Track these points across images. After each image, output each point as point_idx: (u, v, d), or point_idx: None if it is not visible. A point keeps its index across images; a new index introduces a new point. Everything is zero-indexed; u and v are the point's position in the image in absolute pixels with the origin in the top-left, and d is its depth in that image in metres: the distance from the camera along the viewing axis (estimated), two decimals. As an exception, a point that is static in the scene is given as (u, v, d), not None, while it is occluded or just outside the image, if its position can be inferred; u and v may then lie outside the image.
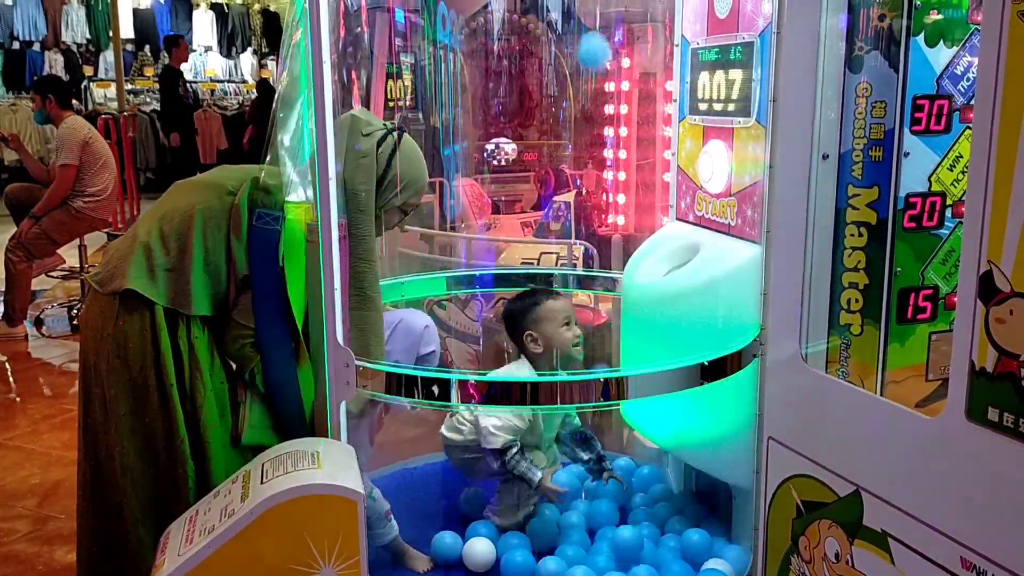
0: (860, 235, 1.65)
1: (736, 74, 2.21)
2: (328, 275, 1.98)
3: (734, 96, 2.23)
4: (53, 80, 6.48)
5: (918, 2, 1.57)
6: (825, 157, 1.65)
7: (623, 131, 4.57)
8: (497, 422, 2.27)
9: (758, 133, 2.12)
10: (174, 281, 2.13)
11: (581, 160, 5.79)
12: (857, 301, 1.68)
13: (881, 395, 1.66)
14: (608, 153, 4.65)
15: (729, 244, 2.25)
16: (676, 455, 2.58)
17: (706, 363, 1.98)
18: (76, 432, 4.06)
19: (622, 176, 4.60)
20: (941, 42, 1.61)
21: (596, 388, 1.87)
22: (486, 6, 6.15)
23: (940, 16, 1.60)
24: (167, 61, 10.89)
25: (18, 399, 4.64)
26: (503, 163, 6.35)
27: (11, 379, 4.99)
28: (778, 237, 1.83)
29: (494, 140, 6.42)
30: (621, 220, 4.59)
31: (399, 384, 1.99)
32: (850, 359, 1.72)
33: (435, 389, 1.95)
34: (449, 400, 1.92)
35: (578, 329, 2.41)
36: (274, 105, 2.13)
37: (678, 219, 2.62)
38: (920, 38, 1.59)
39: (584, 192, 5.01)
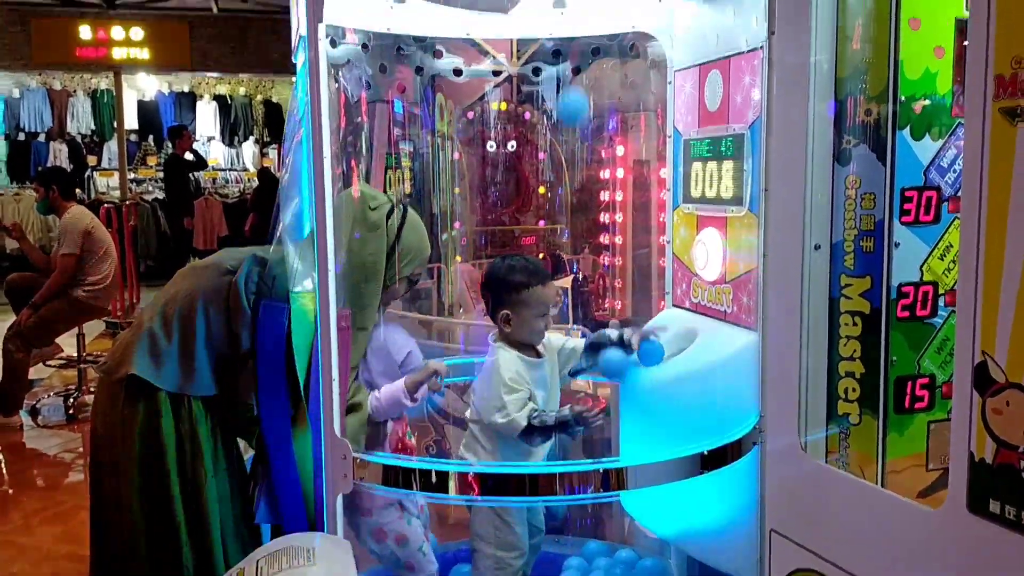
0: (855, 324, 1.66)
1: (728, 165, 2.25)
2: (327, 366, 1.99)
3: (726, 186, 2.26)
4: (57, 171, 6.59)
5: (903, 96, 1.61)
6: (817, 247, 1.67)
7: (619, 217, 4.63)
8: (506, 401, 2.18)
9: (751, 222, 2.15)
10: (178, 365, 2.17)
11: (577, 245, 5.85)
12: (854, 390, 1.68)
13: (882, 485, 1.64)
14: (604, 239, 4.70)
15: (726, 331, 2.26)
16: (678, 545, 2.54)
17: (706, 452, 1.97)
18: (69, 525, 4.03)
19: (618, 261, 4.64)
20: (927, 135, 1.65)
21: (596, 479, 1.86)
22: (482, 96, 6.29)
23: (925, 110, 1.64)
24: (171, 150, 11.09)
25: (11, 491, 4.58)
26: (502, 247, 6.41)
27: (4, 471, 4.94)
28: (774, 325, 1.84)
29: (492, 225, 6.50)
30: (618, 304, 4.60)
31: (396, 475, 1.98)
32: (849, 448, 1.71)
33: (433, 479, 1.94)
34: (447, 491, 1.91)
35: (550, 320, 2.36)
36: (277, 197, 2.18)
37: (675, 305, 2.64)
38: (906, 131, 1.63)
39: (581, 277, 5.04)
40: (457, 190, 6.34)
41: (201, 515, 2.15)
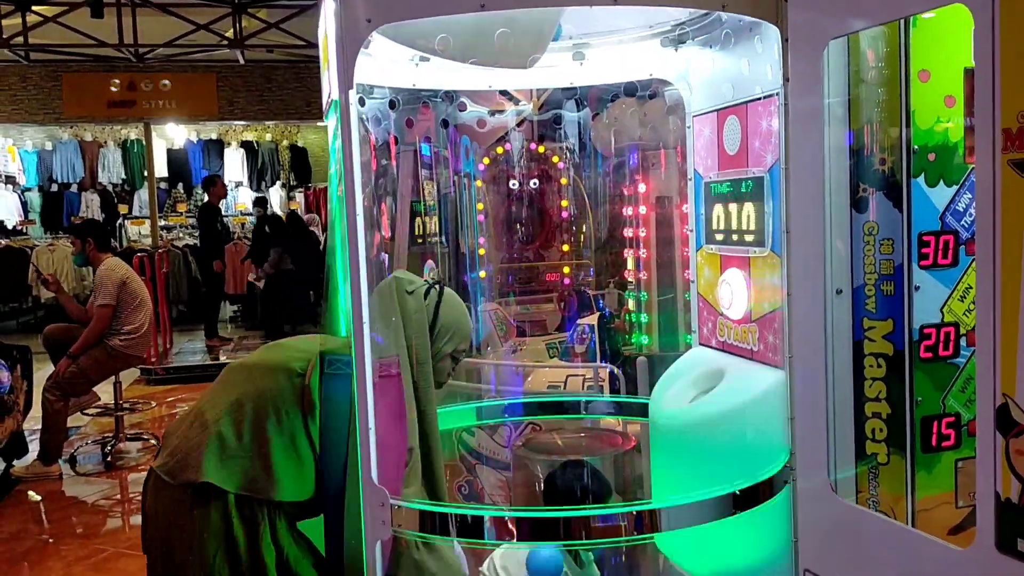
0: (879, 366, 1.70)
1: (749, 207, 2.29)
2: (363, 413, 2.03)
3: (748, 227, 2.29)
4: (92, 224, 6.74)
5: (915, 146, 1.66)
6: (839, 292, 1.71)
7: (643, 252, 4.67)
8: None
9: (774, 262, 2.17)
10: (251, 468, 2.15)
11: (602, 281, 5.88)
12: (881, 430, 1.71)
13: (912, 524, 1.67)
14: (629, 275, 4.73)
15: (753, 370, 2.28)
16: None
17: (738, 492, 1.99)
18: (110, 573, 4.09)
19: (644, 296, 4.68)
20: (941, 181, 1.69)
21: (629, 521, 1.89)
22: (504, 137, 6.39)
23: (938, 158, 1.69)
24: (204, 198, 11.28)
25: (51, 540, 4.65)
26: (528, 285, 6.45)
27: (44, 520, 5.02)
28: (800, 367, 1.87)
29: (517, 263, 6.55)
30: (645, 340, 4.63)
31: (433, 520, 2.02)
32: (879, 487, 1.74)
33: (469, 523, 1.98)
34: (483, 536, 1.94)
35: None
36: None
37: (701, 344, 2.66)
38: (921, 179, 1.68)
39: (608, 314, 5.07)
40: (482, 231, 6.42)
41: None
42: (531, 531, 1.99)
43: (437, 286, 2.36)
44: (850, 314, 1.72)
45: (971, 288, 1.71)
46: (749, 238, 2.29)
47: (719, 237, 2.47)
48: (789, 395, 2.09)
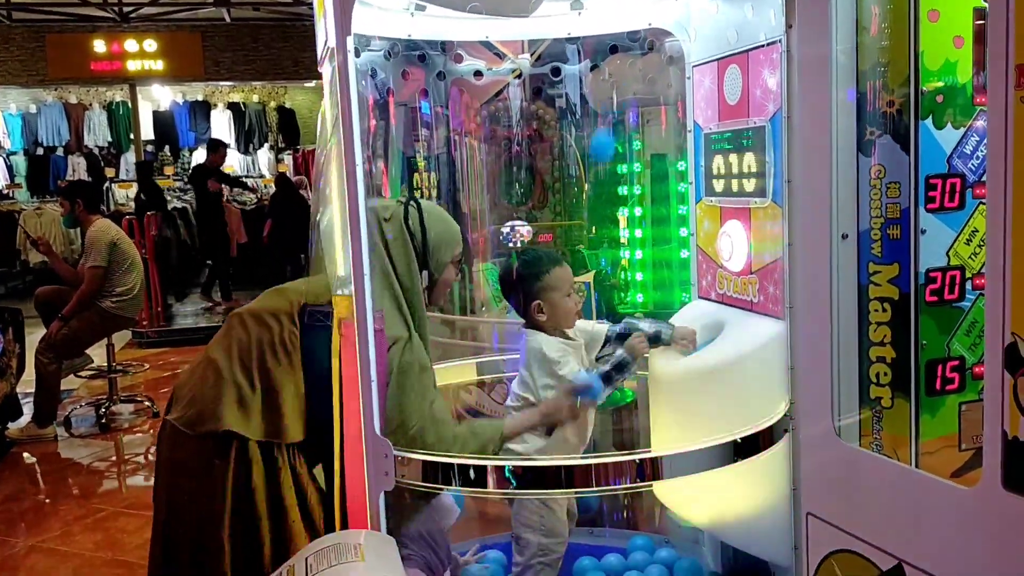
0: (884, 310, 1.70)
1: (750, 158, 2.27)
2: (365, 365, 2.03)
3: (749, 178, 2.28)
4: (81, 185, 6.66)
5: (924, 87, 1.65)
6: (844, 237, 1.71)
7: (638, 211, 4.66)
8: (560, 363, 2.29)
9: (775, 213, 2.17)
10: (268, 413, 2.16)
11: (596, 240, 5.86)
12: (886, 375, 1.72)
13: (916, 467, 1.68)
14: (624, 233, 4.72)
15: (753, 321, 2.29)
16: (711, 532, 2.57)
17: (739, 440, 2.00)
18: (109, 532, 4.11)
19: (639, 255, 4.67)
20: (949, 124, 1.68)
21: (631, 469, 1.90)
22: (499, 92, 6.31)
23: (946, 99, 1.67)
24: (192, 161, 11.13)
25: (48, 500, 4.66)
26: (519, 245, 6.42)
27: (40, 480, 5.02)
28: (804, 313, 1.87)
29: (509, 223, 6.51)
30: (640, 298, 4.63)
31: (436, 471, 2.02)
32: (883, 432, 1.75)
33: (472, 475, 1.98)
34: (485, 485, 1.95)
35: (578, 297, 2.47)
36: (317, 214, 2.21)
37: (700, 297, 2.66)
38: (928, 121, 1.67)
39: (603, 272, 5.06)
40: (477, 188, 6.38)
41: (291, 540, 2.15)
42: (533, 479, 2.00)
43: (412, 203, 2.34)
44: (856, 259, 1.72)
45: (977, 231, 1.70)
46: (750, 189, 2.28)
47: (719, 189, 2.46)
48: (789, 345, 2.11)
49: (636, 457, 1.89)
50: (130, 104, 13.65)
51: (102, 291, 5.73)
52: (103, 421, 5.96)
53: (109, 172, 14.17)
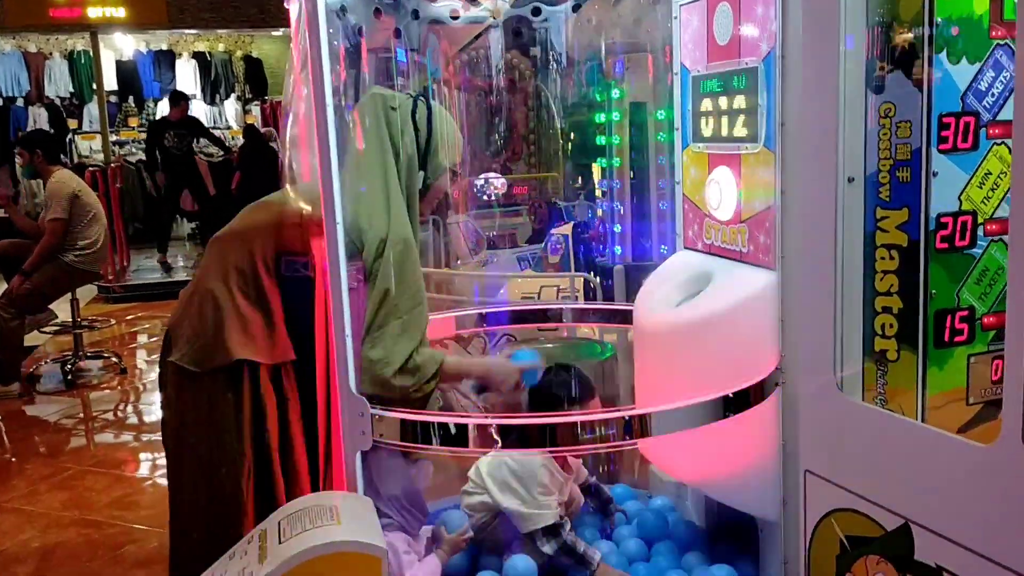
0: (891, 258, 1.60)
1: (740, 101, 2.18)
2: (338, 320, 1.92)
3: (740, 123, 2.19)
4: (40, 135, 6.44)
5: (939, 19, 1.54)
6: (851, 180, 1.61)
7: (616, 161, 4.55)
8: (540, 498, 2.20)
9: (767, 159, 2.09)
10: (273, 334, 2.10)
11: (573, 192, 5.76)
12: (892, 326, 1.63)
13: (923, 422, 1.60)
14: (602, 184, 4.62)
15: (742, 271, 2.21)
16: (698, 488, 2.51)
17: (730, 395, 1.93)
18: (75, 491, 4.00)
19: (618, 206, 4.57)
20: (964, 59, 1.58)
21: (618, 426, 1.81)
22: (476, 39, 6.14)
23: (962, 32, 1.57)
24: (157, 113, 10.91)
25: (14, 459, 4.54)
26: (493, 198, 6.31)
27: (5, 439, 4.90)
28: (801, 263, 1.78)
29: (483, 175, 6.39)
30: (619, 250, 4.56)
31: (415, 430, 1.93)
32: (887, 386, 1.67)
33: (452, 432, 1.89)
34: (467, 444, 1.86)
35: None
36: (287, 144, 2.10)
37: (686, 248, 2.58)
38: (943, 55, 1.56)
39: (583, 224, 4.97)
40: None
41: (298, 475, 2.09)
42: (517, 438, 1.91)
43: (422, 98, 2.21)
44: (862, 204, 1.62)
45: (990, 174, 1.61)
46: (741, 134, 2.19)
47: (707, 134, 2.37)
48: (781, 296, 2.03)
49: (624, 414, 1.80)
50: (92, 53, 13.25)
51: (64, 245, 5.58)
52: (69, 378, 5.83)
53: (72, 123, 13.91)
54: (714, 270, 2.34)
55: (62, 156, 9.00)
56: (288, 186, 2.14)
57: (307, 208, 2.01)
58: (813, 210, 1.69)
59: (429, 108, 2.19)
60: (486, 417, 1.93)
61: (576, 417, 1.83)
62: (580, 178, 5.60)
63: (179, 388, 2.11)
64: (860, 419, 1.62)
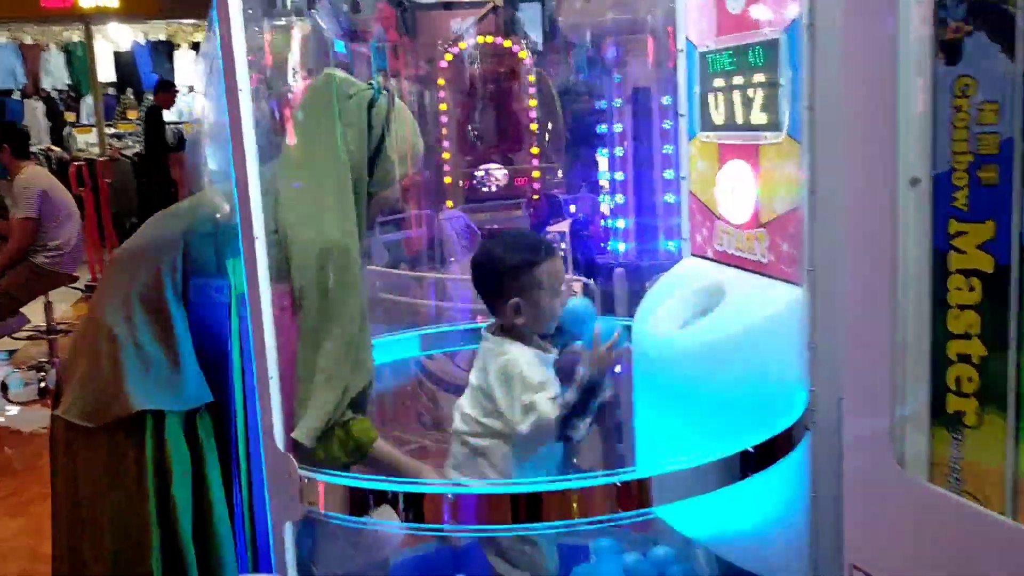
0: (971, 288, 1.18)
1: (758, 80, 1.84)
2: (260, 359, 1.55)
3: (757, 107, 1.86)
4: (7, 128, 6.20)
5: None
6: (914, 182, 1.20)
7: (618, 151, 4.23)
8: (535, 401, 1.75)
9: (791, 150, 1.75)
10: (178, 373, 1.72)
11: (574, 184, 5.45)
12: (971, 380, 1.20)
13: (1013, 516, 1.18)
14: (603, 176, 4.30)
15: (762, 286, 1.86)
16: (712, 549, 2.14)
17: (751, 450, 1.55)
18: (31, 519, 3.67)
19: (620, 200, 4.24)
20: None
21: (611, 496, 1.43)
22: (468, 29, 5.83)
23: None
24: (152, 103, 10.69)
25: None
26: (494, 190, 6.01)
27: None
28: (842, 281, 1.38)
29: (483, 166, 6.08)
30: (621, 247, 4.24)
31: (365, 499, 1.55)
32: (964, 461, 1.24)
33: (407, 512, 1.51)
34: (424, 521, 1.49)
35: (565, 298, 1.95)
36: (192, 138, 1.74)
37: (694, 255, 2.22)
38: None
39: (581, 218, 4.64)
40: (444, 131, 5.95)
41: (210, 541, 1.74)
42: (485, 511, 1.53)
43: (385, 92, 1.84)
44: (929, 214, 1.21)
45: (1108, 173, 1.20)
46: (759, 121, 1.86)
47: (718, 121, 2.02)
48: (810, 318, 1.68)
49: (617, 480, 1.41)
50: (86, 44, 13.04)
51: (35, 245, 5.29)
52: (43, 386, 5.52)
53: (69, 117, 13.70)
54: (727, 283, 1.99)
55: (56, 148, 8.74)
56: (207, 186, 1.77)
57: (224, 209, 1.63)
58: (858, 218, 1.29)
59: (391, 105, 1.82)
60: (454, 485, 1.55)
61: (559, 485, 1.44)
62: (581, 170, 5.31)
63: (70, 448, 1.74)
64: (925, 507, 1.20)
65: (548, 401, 1.76)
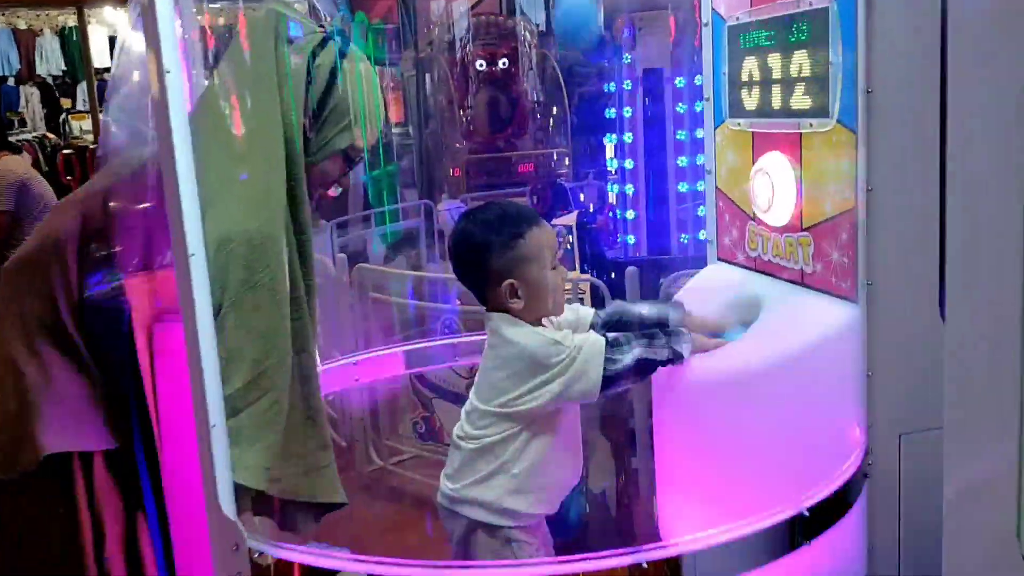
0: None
1: (801, 58, 1.57)
2: (198, 402, 1.26)
3: (800, 90, 1.59)
4: (-18, 116, 5.96)
5: None
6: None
7: (628, 137, 3.95)
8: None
9: (842, 140, 1.48)
10: (104, 408, 1.47)
11: (582, 172, 5.18)
12: None
13: None
14: (612, 163, 4.03)
15: (806, 302, 1.59)
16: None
17: (804, 512, 1.27)
18: None
19: (630, 189, 3.96)
20: None
21: (635, 578, 1.14)
22: (474, 5, 5.55)
23: None
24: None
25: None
26: (496, 178, 5.77)
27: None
28: (956, 314, 1.08)
29: (485, 153, 5.83)
30: (632, 240, 3.97)
31: None
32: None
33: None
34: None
35: (563, 268, 1.64)
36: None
37: (721, 259, 1.96)
38: None
39: (590, 212, 4.36)
40: (445, 114, 5.69)
41: None
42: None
43: (338, 37, 1.50)
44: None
45: None
46: (802, 105, 1.59)
47: (751, 106, 1.75)
48: (865, 341, 1.40)
49: (643, 559, 1.12)
50: (79, 28, 12.82)
51: (11, 241, 4.97)
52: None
53: (65, 102, 13.48)
54: (763, 295, 1.71)
55: (52, 136, 8.48)
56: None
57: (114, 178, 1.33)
58: (971, 227, 0.98)
59: (340, 56, 1.47)
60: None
61: (575, 566, 1.15)
62: (589, 155, 5.05)
63: None
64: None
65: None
